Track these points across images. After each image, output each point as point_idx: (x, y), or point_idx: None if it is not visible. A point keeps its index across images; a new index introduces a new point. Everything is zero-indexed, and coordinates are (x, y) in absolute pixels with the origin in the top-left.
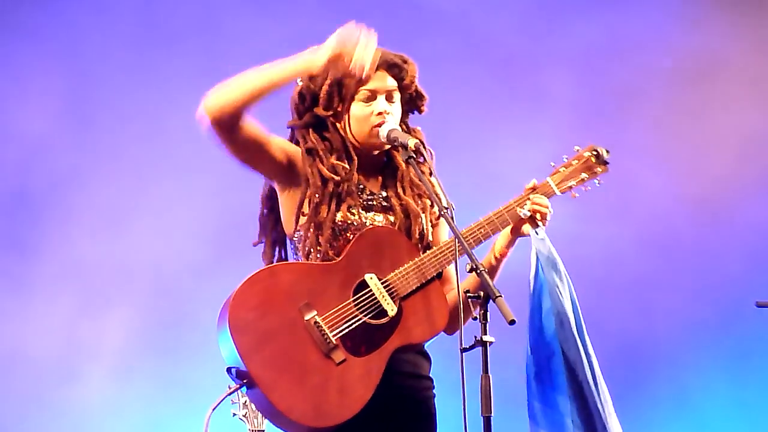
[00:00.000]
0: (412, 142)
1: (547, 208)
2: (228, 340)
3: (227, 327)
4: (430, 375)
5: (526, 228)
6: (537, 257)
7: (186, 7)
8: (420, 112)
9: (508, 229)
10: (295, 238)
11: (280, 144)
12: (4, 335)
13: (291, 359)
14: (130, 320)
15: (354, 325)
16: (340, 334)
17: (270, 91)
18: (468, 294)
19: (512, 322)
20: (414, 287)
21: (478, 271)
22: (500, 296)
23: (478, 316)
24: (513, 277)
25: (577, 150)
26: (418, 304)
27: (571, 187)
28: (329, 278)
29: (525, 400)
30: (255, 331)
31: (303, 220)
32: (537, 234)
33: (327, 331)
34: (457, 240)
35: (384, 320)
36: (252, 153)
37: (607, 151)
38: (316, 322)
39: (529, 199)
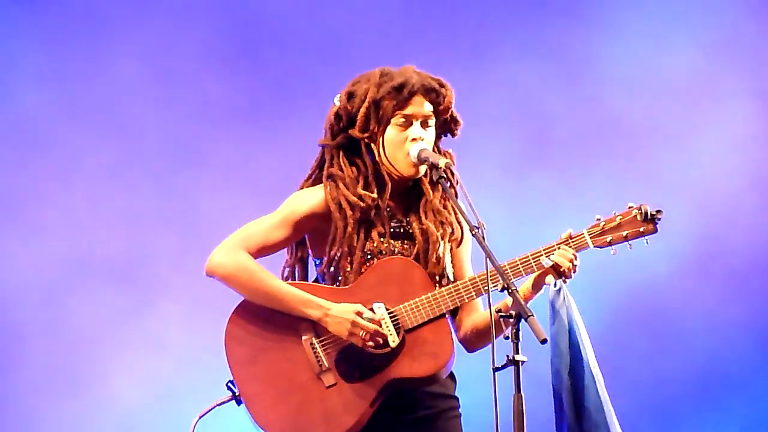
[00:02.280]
0: (442, 162)
1: (572, 262)
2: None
3: (224, 337)
4: (455, 395)
5: (549, 278)
6: (550, 308)
7: None
8: (453, 136)
9: (534, 274)
10: (324, 262)
11: (288, 225)
12: None
13: (280, 376)
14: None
15: (350, 351)
16: (334, 357)
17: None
18: (499, 313)
19: (544, 341)
20: (422, 321)
21: (510, 291)
22: (532, 315)
23: (509, 336)
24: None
25: (629, 207)
26: (423, 339)
27: (609, 243)
28: (338, 301)
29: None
30: (250, 344)
31: (334, 246)
32: (555, 286)
33: (321, 352)
34: (487, 258)
35: (384, 350)
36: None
37: (658, 212)
38: (312, 343)
39: (557, 249)
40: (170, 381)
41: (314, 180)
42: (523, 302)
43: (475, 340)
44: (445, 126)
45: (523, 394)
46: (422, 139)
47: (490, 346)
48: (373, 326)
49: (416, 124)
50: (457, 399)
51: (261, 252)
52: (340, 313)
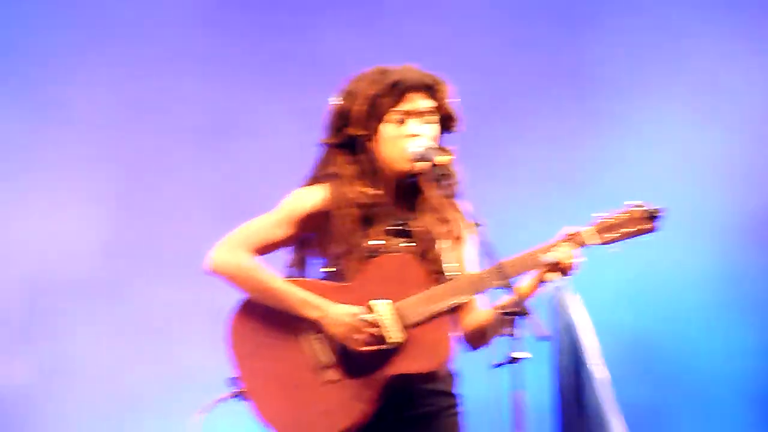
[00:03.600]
0: (442, 159)
1: (572, 259)
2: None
3: (226, 333)
4: (454, 392)
5: (549, 275)
6: (551, 306)
7: None
8: (450, 132)
9: (534, 272)
10: (326, 260)
11: (289, 223)
12: None
13: (282, 372)
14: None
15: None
16: (336, 353)
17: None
18: (499, 310)
19: (544, 338)
20: (421, 318)
21: (510, 288)
22: (531, 313)
23: (509, 333)
24: None
25: (627, 204)
26: (423, 336)
27: (609, 240)
28: (338, 299)
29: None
30: (252, 340)
31: (335, 244)
32: (555, 283)
33: (323, 349)
34: (486, 256)
35: (382, 346)
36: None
37: (658, 210)
38: (314, 340)
39: (557, 246)
40: (172, 377)
41: (315, 179)
42: (522, 300)
43: (476, 338)
44: (445, 123)
45: (523, 392)
46: (419, 135)
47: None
48: (371, 329)
49: (413, 120)
50: (459, 396)
51: (261, 250)
52: (337, 315)
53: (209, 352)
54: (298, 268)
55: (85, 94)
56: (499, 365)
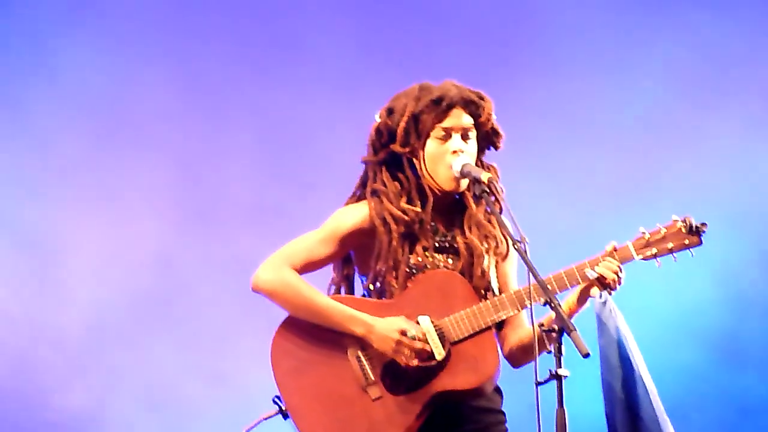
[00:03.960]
0: (485, 176)
1: (617, 274)
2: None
3: (271, 351)
4: (502, 409)
5: (594, 290)
6: (597, 321)
7: None
8: (496, 148)
9: (580, 287)
10: (369, 278)
11: (333, 241)
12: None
13: (326, 389)
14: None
15: (396, 364)
16: (380, 370)
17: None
18: (542, 327)
19: (587, 356)
20: (466, 334)
21: (553, 305)
22: (575, 330)
23: (552, 350)
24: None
25: (674, 219)
26: (468, 352)
27: (654, 255)
28: (382, 316)
29: None
30: (296, 357)
31: (379, 261)
32: (600, 297)
33: (367, 365)
34: (529, 273)
35: (430, 363)
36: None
37: (703, 224)
38: (358, 356)
39: (602, 261)
40: (216, 395)
41: (359, 197)
42: (565, 316)
43: (520, 356)
44: (487, 139)
45: (565, 409)
46: (462, 152)
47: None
48: (417, 344)
49: (456, 136)
50: (504, 414)
51: (306, 268)
52: (383, 330)
53: (257, 370)
54: (342, 285)
55: (146, 118)
56: (543, 383)
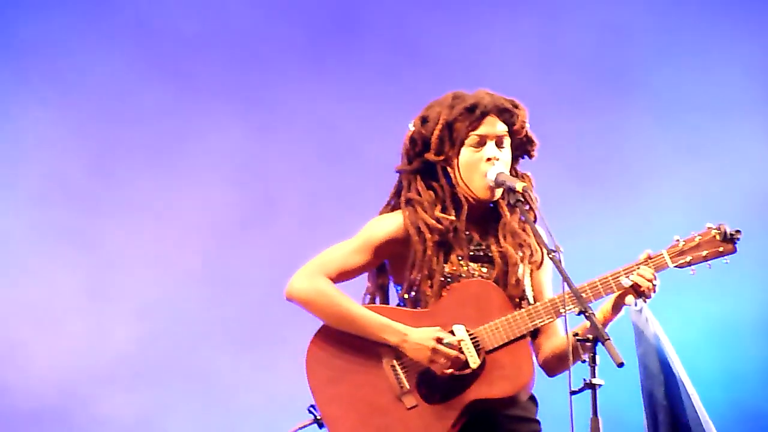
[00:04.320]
0: (519, 186)
1: (651, 282)
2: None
3: (305, 360)
4: (537, 418)
5: (629, 299)
6: (635, 330)
7: None
8: (530, 157)
9: (615, 295)
10: (404, 287)
11: (367, 250)
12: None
13: (361, 398)
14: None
15: (431, 373)
16: (415, 379)
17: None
18: (576, 337)
19: (621, 365)
20: (501, 342)
21: (587, 314)
22: (609, 339)
23: (586, 359)
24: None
25: (708, 227)
26: (503, 360)
27: (689, 262)
28: (417, 325)
29: None
30: (331, 367)
31: (414, 270)
32: (636, 306)
33: (402, 374)
34: (564, 282)
35: (464, 371)
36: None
37: (737, 231)
38: (392, 365)
39: (636, 269)
40: (251, 404)
41: (393, 206)
42: (600, 326)
43: (555, 365)
44: (522, 147)
45: (600, 418)
46: (497, 159)
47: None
48: (452, 352)
49: (490, 144)
50: (539, 422)
51: (340, 277)
52: (418, 339)
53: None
54: (377, 294)
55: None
56: (577, 392)
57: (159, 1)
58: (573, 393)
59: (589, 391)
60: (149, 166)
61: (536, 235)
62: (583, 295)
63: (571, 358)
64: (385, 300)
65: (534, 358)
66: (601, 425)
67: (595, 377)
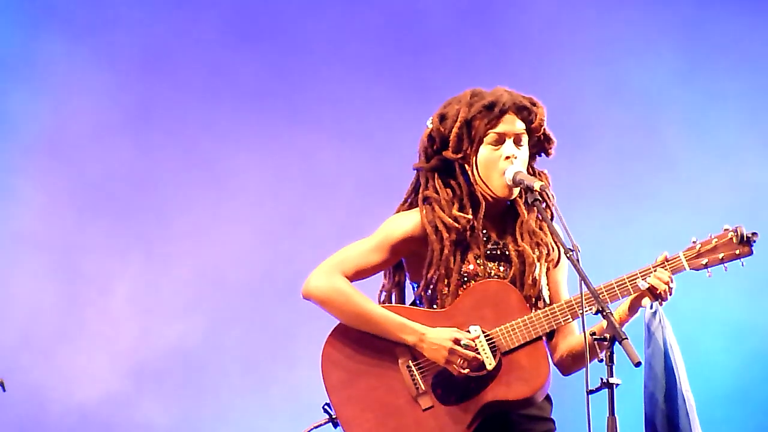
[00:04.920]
0: (537, 185)
1: (668, 284)
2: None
3: (321, 360)
4: (552, 417)
5: (645, 301)
6: (646, 331)
7: None
8: (548, 155)
9: (631, 297)
10: (421, 285)
11: (384, 249)
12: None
13: (377, 399)
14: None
15: (447, 374)
16: (431, 380)
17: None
18: (594, 336)
19: (638, 365)
20: (518, 344)
21: (605, 313)
22: (626, 338)
23: (603, 358)
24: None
25: (725, 229)
26: (520, 362)
27: (705, 265)
28: (433, 325)
29: None
30: (346, 367)
31: (431, 269)
32: (651, 308)
33: (418, 375)
34: (581, 281)
35: (481, 373)
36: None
37: (754, 234)
38: (408, 366)
39: (653, 271)
40: (267, 403)
41: (410, 204)
42: (617, 325)
43: (570, 364)
44: (539, 145)
45: (616, 417)
46: (515, 157)
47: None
48: (470, 353)
49: (509, 142)
50: (554, 422)
51: (357, 275)
52: (436, 339)
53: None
54: (393, 292)
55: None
56: (594, 391)
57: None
58: (590, 392)
59: (606, 391)
60: (192, 169)
61: (553, 233)
62: (601, 295)
63: (588, 357)
64: (401, 297)
65: (550, 357)
66: (617, 425)
67: (612, 376)
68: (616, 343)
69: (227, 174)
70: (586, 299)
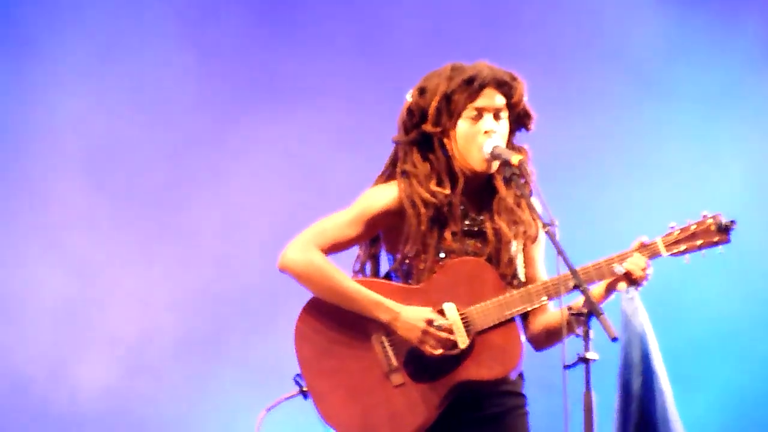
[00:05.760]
0: (515, 159)
1: (644, 270)
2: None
3: (294, 333)
4: (523, 392)
5: (621, 285)
6: (622, 317)
7: None
8: (527, 130)
9: (606, 281)
10: (397, 260)
11: (361, 222)
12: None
13: (348, 374)
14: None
15: (419, 351)
16: (403, 357)
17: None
18: (570, 311)
19: (615, 339)
20: (491, 324)
21: (582, 288)
22: (603, 313)
23: (580, 333)
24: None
25: (703, 216)
26: (493, 342)
27: (683, 251)
28: (408, 301)
29: None
30: (319, 341)
31: (407, 244)
32: (627, 293)
33: (390, 351)
34: (559, 255)
35: (453, 352)
36: (342, 250)
37: (732, 222)
38: (381, 342)
39: (630, 256)
40: (237, 375)
41: (388, 176)
42: (594, 300)
43: (544, 340)
44: (519, 120)
45: (593, 392)
46: (495, 132)
47: (559, 344)
48: (443, 334)
49: (488, 116)
50: (525, 397)
51: (333, 249)
52: (410, 318)
53: (277, 349)
54: (368, 263)
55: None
56: (571, 366)
57: None
58: (566, 367)
59: (582, 366)
60: (192, 169)
61: (531, 208)
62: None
63: (565, 332)
64: (376, 269)
65: (523, 336)
66: (593, 400)
67: (588, 351)
68: (593, 317)
69: (227, 174)
70: (563, 277)
